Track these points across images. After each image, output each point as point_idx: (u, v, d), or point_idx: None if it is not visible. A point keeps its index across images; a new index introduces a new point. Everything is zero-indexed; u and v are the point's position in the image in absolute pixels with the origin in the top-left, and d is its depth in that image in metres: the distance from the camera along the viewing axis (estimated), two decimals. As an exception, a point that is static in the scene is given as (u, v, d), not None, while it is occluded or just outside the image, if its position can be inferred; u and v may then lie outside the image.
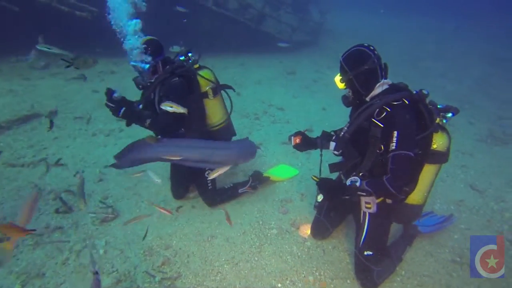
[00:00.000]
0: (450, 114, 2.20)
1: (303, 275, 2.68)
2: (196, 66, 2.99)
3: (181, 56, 2.96)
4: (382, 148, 2.13)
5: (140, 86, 2.89)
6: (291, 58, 9.32)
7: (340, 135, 2.32)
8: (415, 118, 2.09)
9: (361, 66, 2.14)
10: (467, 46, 11.69)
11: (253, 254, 2.85)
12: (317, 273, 2.70)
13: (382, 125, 2.10)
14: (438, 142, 2.22)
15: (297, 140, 2.64)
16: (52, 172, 3.77)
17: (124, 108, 2.71)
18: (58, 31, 5.58)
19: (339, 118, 5.63)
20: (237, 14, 8.38)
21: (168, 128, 2.84)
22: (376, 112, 2.13)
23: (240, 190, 3.44)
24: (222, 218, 3.22)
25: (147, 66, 2.72)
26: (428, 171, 2.26)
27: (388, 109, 2.09)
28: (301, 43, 10.13)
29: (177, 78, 2.77)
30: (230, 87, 3.17)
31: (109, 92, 2.71)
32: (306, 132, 2.73)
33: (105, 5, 2.61)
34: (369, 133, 2.16)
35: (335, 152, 2.38)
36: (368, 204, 2.38)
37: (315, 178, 2.35)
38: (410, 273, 2.71)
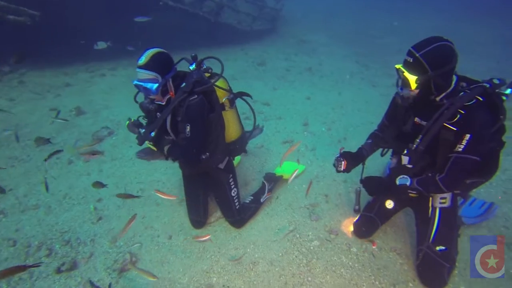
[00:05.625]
0: (509, 90, 1.94)
1: (364, 288, 2.48)
2: (208, 75, 2.57)
3: (191, 64, 2.50)
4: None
5: (151, 110, 2.40)
6: (255, 48, 8.97)
7: (413, 147, 2.10)
8: (491, 113, 1.90)
9: (446, 65, 1.80)
10: (414, 23, 12.30)
11: (304, 274, 2.57)
12: (376, 282, 2.51)
13: (455, 129, 1.90)
14: None
15: (344, 165, 2.45)
16: (31, 218, 3.08)
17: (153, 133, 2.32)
18: None
19: (326, 106, 5.52)
20: (194, 7, 7.79)
21: (192, 156, 2.51)
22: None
23: (262, 199, 3.17)
24: (254, 239, 2.89)
25: (155, 86, 2.22)
26: None
27: (463, 112, 1.86)
28: (262, 32, 9.81)
29: (196, 96, 2.32)
30: (247, 95, 2.82)
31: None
32: (343, 150, 2.53)
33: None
34: (439, 136, 1.98)
35: (409, 166, 2.21)
36: (443, 199, 2.32)
37: None
38: (464, 263, 2.64)
